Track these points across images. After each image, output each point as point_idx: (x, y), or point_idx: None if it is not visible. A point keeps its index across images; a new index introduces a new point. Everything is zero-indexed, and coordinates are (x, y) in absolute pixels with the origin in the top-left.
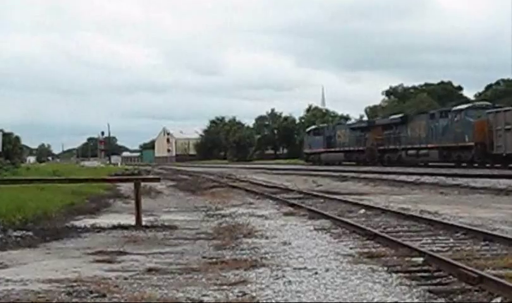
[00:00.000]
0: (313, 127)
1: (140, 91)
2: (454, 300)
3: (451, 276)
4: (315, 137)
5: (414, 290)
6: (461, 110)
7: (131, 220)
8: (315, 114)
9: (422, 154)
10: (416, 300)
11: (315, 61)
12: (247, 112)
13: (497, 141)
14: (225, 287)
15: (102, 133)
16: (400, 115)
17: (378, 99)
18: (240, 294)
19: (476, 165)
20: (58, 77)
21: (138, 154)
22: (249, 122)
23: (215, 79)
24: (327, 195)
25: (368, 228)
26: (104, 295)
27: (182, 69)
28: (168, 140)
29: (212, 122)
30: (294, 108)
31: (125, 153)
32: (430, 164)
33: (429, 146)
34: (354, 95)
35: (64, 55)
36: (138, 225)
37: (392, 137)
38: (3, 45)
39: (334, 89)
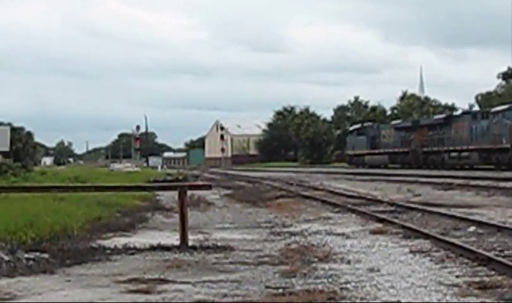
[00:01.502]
0: (356, 126)
1: (180, 74)
2: None
3: None
4: (358, 137)
5: None
6: (499, 111)
7: (175, 239)
8: (411, 103)
9: (464, 157)
10: None
11: (407, 35)
12: (322, 100)
13: None
14: None
15: (138, 128)
16: (444, 116)
17: (491, 84)
18: None
19: None
20: (74, 56)
21: (183, 154)
22: (327, 114)
23: (278, 59)
24: (426, 207)
25: (480, 251)
26: None
27: (234, 46)
28: (222, 137)
29: (279, 113)
30: (383, 95)
31: (167, 154)
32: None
33: (470, 147)
34: (461, 78)
35: (81, 28)
36: (184, 246)
37: (436, 139)
38: (4, 16)
39: (433, 71)
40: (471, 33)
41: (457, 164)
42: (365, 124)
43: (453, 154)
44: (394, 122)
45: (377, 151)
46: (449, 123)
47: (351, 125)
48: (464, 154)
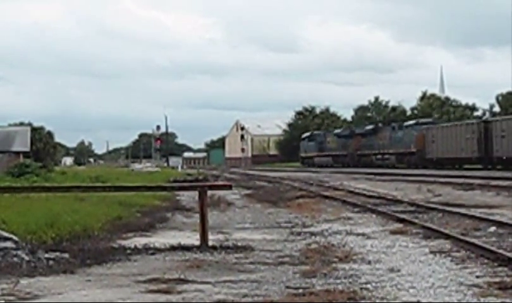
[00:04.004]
0: (307, 134)
1: (198, 74)
2: None
3: None
4: (309, 143)
5: None
6: (409, 125)
7: (195, 239)
8: (432, 103)
9: (385, 158)
10: None
11: (422, 35)
12: (339, 100)
13: (428, 149)
14: None
15: (158, 128)
16: (372, 127)
17: (509, 83)
18: None
19: None
20: (93, 56)
21: (203, 155)
22: (347, 114)
23: (294, 58)
24: (446, 208)
25: (500, 251)
26: None
27: (249, 45)
28: (242, 137)
29: (299, 113)
30: (400, 95)
31: (187, 154)
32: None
33: (390, 151)
34: (478, 78)
35: (98, 29)
36: (204, 246)
37: (366, 144)
38: (22, 15)
39: (450, 71)
40: (487, 32)
41: (381, 164)
42: (315, 132)
43: (378, 156)
44: (336, 131)
45: (323, 153)
46: (376, 132)
47: (304, 133)
48: (386, 156)
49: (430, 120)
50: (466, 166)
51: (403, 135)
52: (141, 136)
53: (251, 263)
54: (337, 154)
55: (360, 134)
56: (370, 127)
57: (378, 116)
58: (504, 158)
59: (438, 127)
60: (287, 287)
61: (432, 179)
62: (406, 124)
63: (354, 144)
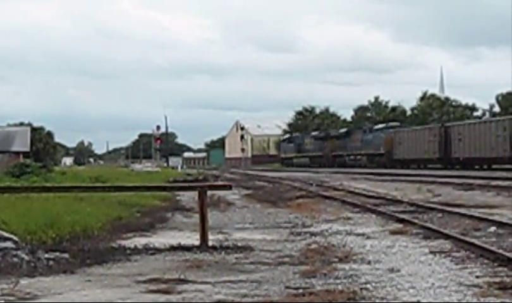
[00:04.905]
0: (287, 136)
1: (196, 74)
2: None
3: None
4: (288, 144)
5: None
6: (378, 129)
7: (195, 239)
8: (431, 103)
9: (357, 159)
10: None
11: (419, 35)
12: (337, 100)
13: (396, 150)
14: None
15: (158, 128)
16: (346, 130)
17: (508, 83)
18: None
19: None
20: (91, 57)
21: (203, 155)
22: (347, 114)
23: (291, 59)
24: (446, 208)
25: (500, 251)
26: None
27: (247, 46)
28: (242, 137)
29: (299, 113)
30: (398, 95)
31: (187, 154)
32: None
33: (361, 152)
34: (477, 78)
35: (96, 29)
36: (204, 246)
37: (341, 146)
38: (20, 15)
39: (448, 71)
40: (484, 32)
41: (354, 164)
42: (294, 135)
43: (351, 157)
44: (313, 133)
45: (301, 154)
46: (349, 135)
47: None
48: (358, 157)
49: (398, 124)
50: (430, 166)
51: (373, 138)
52: (141, 136)
53: (251, 263)
54: (314, 155)
55: (335, 136)
56: (343, 130)
57: (378, 116)
58: (461, 159)
59: (404, 131)
60: (287, 287)
61: (431, 179)
62: (376, 127)
63: (329, 145)
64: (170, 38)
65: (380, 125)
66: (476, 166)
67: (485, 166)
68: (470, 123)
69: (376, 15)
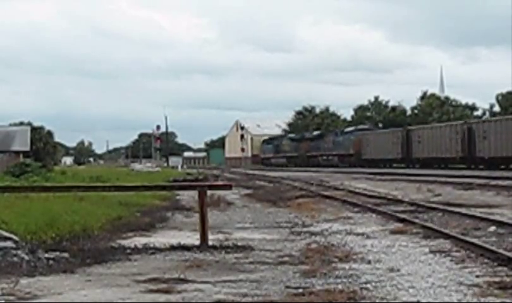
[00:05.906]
0: (266, 138)
1: (194, 74)
2: None
3: None
4: (267, 145)
5: None
6: (348, 131)
7: (195, 239)
8: (431, 103)
9: (330, 159)
10: None
11: (416, 35)
12: (336, 99)
13: (364, 151)
14: None
15: (158, 128)
16: (319, 132)
17: (507, 82)
18: None
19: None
20: (90, 57)
21: (203, 154)
22: (347, 114)
23: (289, 58)
24: (446, 207)
25: (500, 251)
26: None
27: (244, 45)
28: (242, 136)
29: (299, 113)
30: (396, 95)
31: (187, 153)
32: None
33: (333, 153)
34: (475, 78)
35: (94, 29)
36: (204, 245)
37: (315, 147)
38: (17, 15)
39: (447, 71)
40: (481, 32)
41: (326, 164)
42: (273, 137)
43: (324, 157)
44: (289, 135)
45: (279, 155)
46: (322, 137)
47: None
48: (330, 157)
49: (366, 127)
50: (394, 165)
51: (344, 140)
52: (141, 135)
53: (251, 263)
54: (291, 156)
55: (309, 138)
56: (317, 132)
57: (378, 116)
58: (420, 158)
59: (372, 134)
60: (287, 287)
61: (432, 179)
62: (346, 130)
63: (304, 147)
64: (167, 38)
65: (350, 128)
66: (435, 166)
67: (442, 166)
68: (427, 127)
69: (373, 15)
